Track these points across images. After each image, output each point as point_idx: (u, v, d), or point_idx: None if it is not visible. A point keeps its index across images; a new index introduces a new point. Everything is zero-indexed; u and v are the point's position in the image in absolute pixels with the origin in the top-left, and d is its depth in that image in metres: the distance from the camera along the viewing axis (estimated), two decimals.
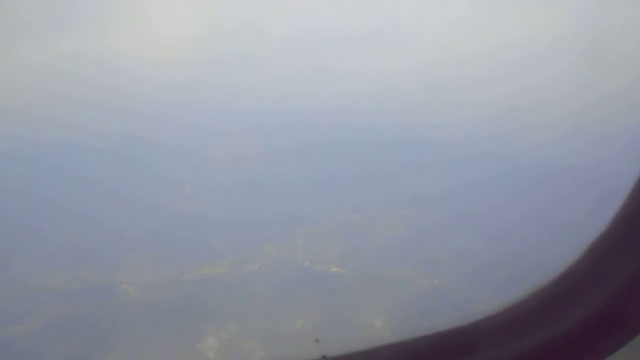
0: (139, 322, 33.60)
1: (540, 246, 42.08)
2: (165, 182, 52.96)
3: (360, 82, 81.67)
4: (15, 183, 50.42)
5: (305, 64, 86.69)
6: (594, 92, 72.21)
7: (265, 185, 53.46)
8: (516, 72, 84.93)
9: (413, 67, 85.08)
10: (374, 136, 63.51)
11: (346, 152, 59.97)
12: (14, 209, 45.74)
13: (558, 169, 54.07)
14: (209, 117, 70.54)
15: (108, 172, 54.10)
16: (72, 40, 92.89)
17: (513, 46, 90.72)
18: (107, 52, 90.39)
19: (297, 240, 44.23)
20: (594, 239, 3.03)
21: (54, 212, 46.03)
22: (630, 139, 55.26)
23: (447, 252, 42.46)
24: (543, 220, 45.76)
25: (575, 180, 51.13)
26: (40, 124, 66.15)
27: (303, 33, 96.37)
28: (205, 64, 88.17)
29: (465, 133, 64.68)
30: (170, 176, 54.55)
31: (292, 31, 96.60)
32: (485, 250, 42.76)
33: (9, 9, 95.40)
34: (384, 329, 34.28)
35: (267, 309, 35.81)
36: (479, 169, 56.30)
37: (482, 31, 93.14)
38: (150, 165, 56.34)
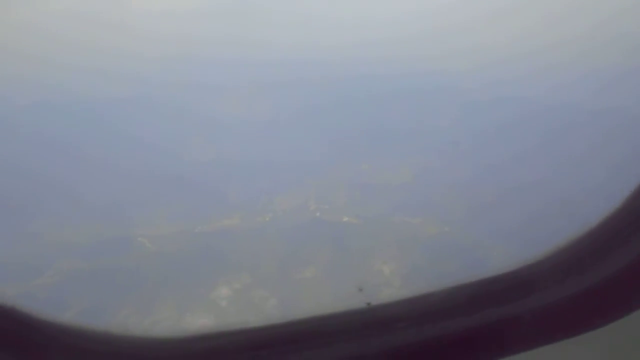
0: (154, 273, 34.43)
1: (551, 194, 41.89)
2: (177, 137, 53.22)
3: (367, 30, 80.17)
4: (31, 140, 51.17)
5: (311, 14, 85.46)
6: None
7: (277, 136, 53.41)
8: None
9: (420, 11, 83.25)
10: (384, 84, 62.78)
11: (357, 101, 59.45)
12: (30, 167, 46.60)
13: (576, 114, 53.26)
14: (217, 68, 70.26)
15: (120, 127, 54.46)
16: None
17: None
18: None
19: (309, 191, 44.54)
20: (632, 190, 3.04)
21: (70, 168, 46.79)
22: None
23: (458, 200, 42.48)
24: (557, 169, 45.37)
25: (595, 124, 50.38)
26: (60, 73, 66.36)
27: None
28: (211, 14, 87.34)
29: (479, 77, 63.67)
30: (182, 131, 54.83)
31: None
32: (497, 197, 42.75)
33: None
34: (392, 275, 34.76)
35: (279, 258, 36.35)
36: (494, 114, 55.61)
37: None
38: (162, 121, 56.60)
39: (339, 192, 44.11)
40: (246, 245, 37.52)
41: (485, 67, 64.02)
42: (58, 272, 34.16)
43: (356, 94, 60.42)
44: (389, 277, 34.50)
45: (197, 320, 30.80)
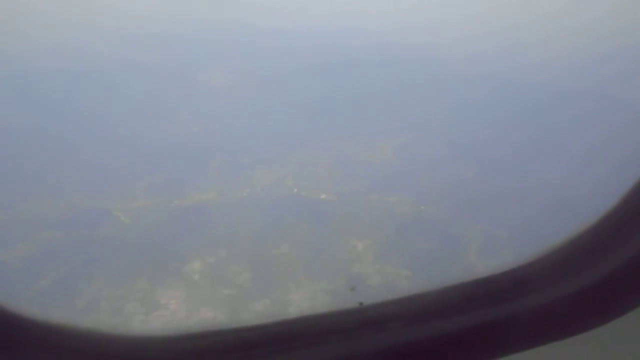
0: (129, 246, 34.13)
1: (532, 178, 42.33)
2: (158, 108, 52.63)
3: (348, 3, 79.61)
4: (6, 113, 50.07)
5: None
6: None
7: (257, 111, 53.07)
8: None
9: None
10: (369, 59, 62.49)
11: (340, 77, 59.21)
12: (5, 140, 45.60)
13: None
14: (203, 40, 69.19)
15: (98, 99, 53.60)
16: None
17: None
18: None
19: (288, 167, 44.45)
20: (629, 188, 3.01)
21: (46, 141, 46.05)
22: None
23: (437, 179, 42.75)
24: (538, 149, 45.80)
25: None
26: (32, 49, 64.93)
27: None
28: None
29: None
30: (162, 102, 54.16)
31: None
32: (475, 178, 43.14)
33: None
34: (365, 252, 34.91)
35: (255, 233, 36.26)
36: (476, 93, 55.86)
37: None
38: (142, 91, 55.82)
39: (318, 169, 44.10)
40: (222, 220, 37.34)
41: (465, 41, 64.17)
42: (33, 243, 33.68)
43: (339, 73, 60.21)
44: (362, 253, 34.69)
45: (169, 292, 30.65)
